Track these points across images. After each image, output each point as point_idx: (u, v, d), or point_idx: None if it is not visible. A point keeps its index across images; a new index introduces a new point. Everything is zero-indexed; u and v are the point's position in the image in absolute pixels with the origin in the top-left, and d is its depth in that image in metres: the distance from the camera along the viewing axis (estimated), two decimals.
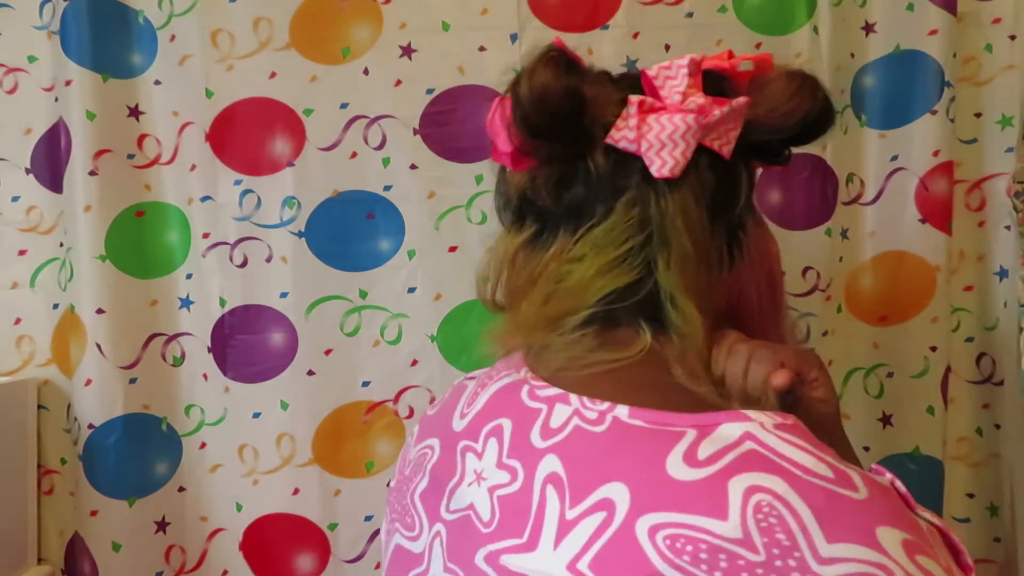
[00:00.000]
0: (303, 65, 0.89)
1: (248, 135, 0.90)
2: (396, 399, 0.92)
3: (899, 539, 0.32)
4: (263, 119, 0.89)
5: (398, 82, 0.90)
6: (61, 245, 0.91)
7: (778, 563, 0.31)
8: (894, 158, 0.89)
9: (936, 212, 0.88)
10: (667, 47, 0.89)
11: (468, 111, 0.89)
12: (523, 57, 0.64)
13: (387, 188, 0.91)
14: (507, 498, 0.40)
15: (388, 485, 0.61)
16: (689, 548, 0.32)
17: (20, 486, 0.89)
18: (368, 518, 0.92)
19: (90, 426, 0.87)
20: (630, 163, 0.42)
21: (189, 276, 0.92)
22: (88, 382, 0.88)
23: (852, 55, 0.90)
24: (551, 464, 0.39)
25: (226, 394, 0.91)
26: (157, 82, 0.91)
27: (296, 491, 0.91)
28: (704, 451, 0.35)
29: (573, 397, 0.41)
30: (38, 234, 0.92)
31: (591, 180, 0.44)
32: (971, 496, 0.92)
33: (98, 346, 0.87)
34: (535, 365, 0.46)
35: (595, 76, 0.45)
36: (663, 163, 0.41)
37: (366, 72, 0.90)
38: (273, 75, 0.89)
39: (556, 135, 0.43)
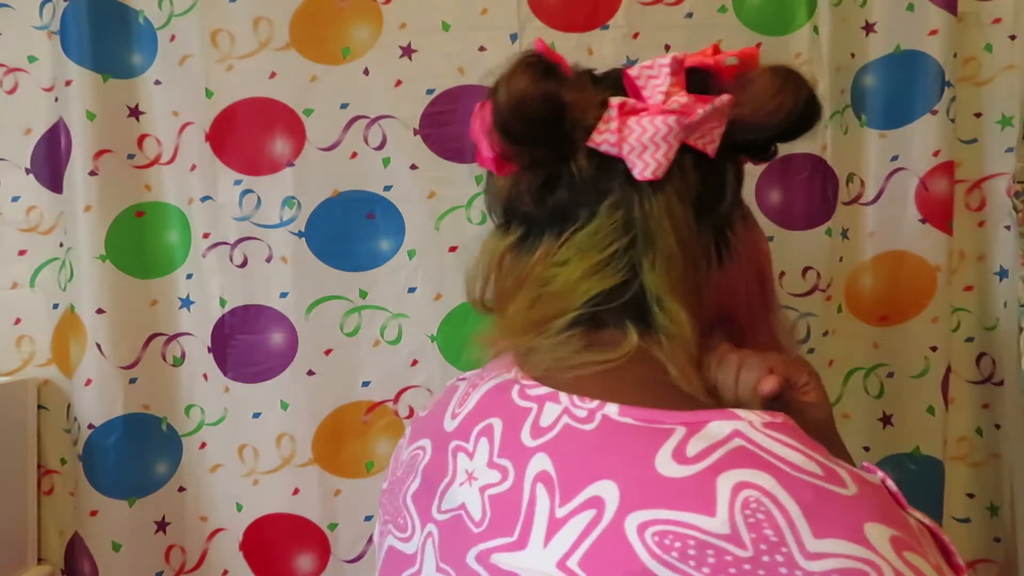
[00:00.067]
0: (303, 65, 0.89)
1: (248, 135, 0.90)
2: (396, 399, 0.92)
3: (887, 536, 0.32)
4: (263, 119, 0.89)
5: (398, 82, 0.90)
6: (61, 245, 0.92)
7: (765, 558, 0.31)
8: (894, 158, 0.89)
9: (936, 212, 0.88)
10: (667, 47, 0.89)
11: (468, 111, 0.87)
12: None
13: (387, 188, 0.91)
14: (498, 497, 0.40)
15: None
16: (677, 544, 0.32)
17: (20, 486, 0.89)
18: (368, 518, 0.92)
19: (90, 426, 0.87)
20: (613, 166, 0.42)
21: (189, 276, 0.92)
22: (88, 382, 0.88)
23: (852, 55, 0.90)
24: (541, 463, 0.39)
25: (226, 394, 0.91)
26: (157, 82, 0.91)
27: (296, 491, 0.91)
28: (693, 448, 0.35)
29: (563, 396, 0.41)
30: (38, 234, 0.92)
31: (574, 184, 0.44)
32: (971, 496, 0.92)
33: (98, 346, 0.87)
34: (525, 365, 0.46)
35: (575, 79, 0.44)
36: (645, 165, 0.41)
37: (366, 72, 0.89)
38: (273, 75, 0.89)
39: (536, 141, 0.43)
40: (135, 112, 0.91)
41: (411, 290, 0.91)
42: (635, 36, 0.89)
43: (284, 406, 0.91)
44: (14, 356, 0.92)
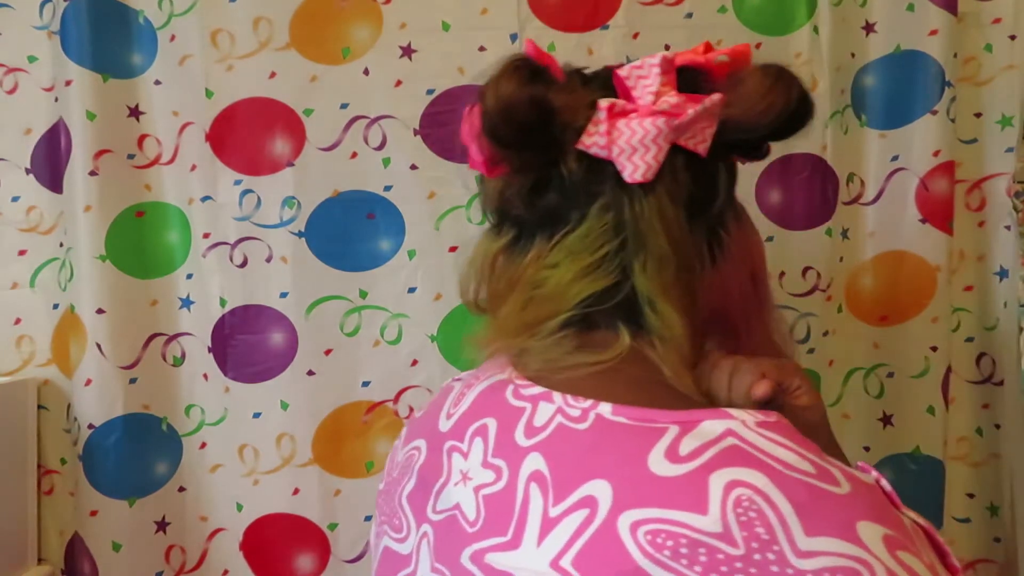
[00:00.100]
0: (303, 65, 0.89)
1: (248, 135, 0.90)
2: (396, 399, 0.92)
3: (880, 534, 0.32)
4: (263, 119, 0.89)
5: (398, 82, 0.90)
6: (61, 245, 0.92)
7: (757, 556, 0.31)
8: (894, 158, 0.89)
9: (936, 212, 0.88)
10: (667, 47, 0.89)
11: None
12: None
13: (387, 188, 0.91)
14: (492, 497, 0.40)
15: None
16: (670, 543, 0.32)
17: (20, 486, 0.89)
18: (368, 518, 0.92)
19: (90, 426, 0.87)
20: (603, 168, 0.42)
21: (189, 276, 0.92)
22: (88, 382, 0.88)
23: (852, 55, 0.90)
24: (535, 462, 0.39)
25: (226, 394, 0.91)
26: (157, 82, 0.91)
27: (296, 491, 0.91)
28: (686, 447, 0.35)
29: (556, 395, 0.41)
30: (38, 234, 0.92)
31: (564, 187, 0.43)
32: (971, 496, 0.92)
33: (98, 346, 0.87)
34: (519, 365, 0.46)
35: (564, 82, 0.44)
36: (635, 168, 0.41)
37: (366, 72, 0.89)
38: (273, 75, 0.89)
39: (525, 145, 0.42)
40: (135, 112, 0.91)
41: (411, 290, 0.91)
42: (635, 36, 0.89)
43: (284, 406, 0.91)
44: (14, 356, 0.92)
